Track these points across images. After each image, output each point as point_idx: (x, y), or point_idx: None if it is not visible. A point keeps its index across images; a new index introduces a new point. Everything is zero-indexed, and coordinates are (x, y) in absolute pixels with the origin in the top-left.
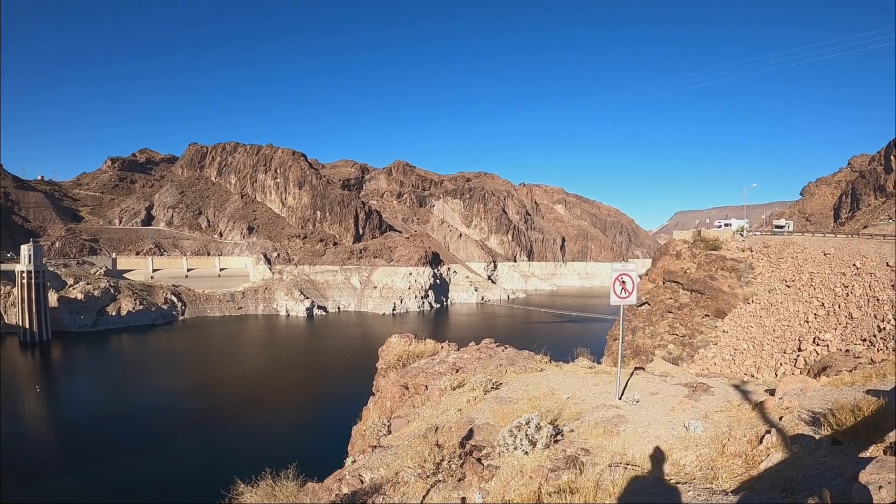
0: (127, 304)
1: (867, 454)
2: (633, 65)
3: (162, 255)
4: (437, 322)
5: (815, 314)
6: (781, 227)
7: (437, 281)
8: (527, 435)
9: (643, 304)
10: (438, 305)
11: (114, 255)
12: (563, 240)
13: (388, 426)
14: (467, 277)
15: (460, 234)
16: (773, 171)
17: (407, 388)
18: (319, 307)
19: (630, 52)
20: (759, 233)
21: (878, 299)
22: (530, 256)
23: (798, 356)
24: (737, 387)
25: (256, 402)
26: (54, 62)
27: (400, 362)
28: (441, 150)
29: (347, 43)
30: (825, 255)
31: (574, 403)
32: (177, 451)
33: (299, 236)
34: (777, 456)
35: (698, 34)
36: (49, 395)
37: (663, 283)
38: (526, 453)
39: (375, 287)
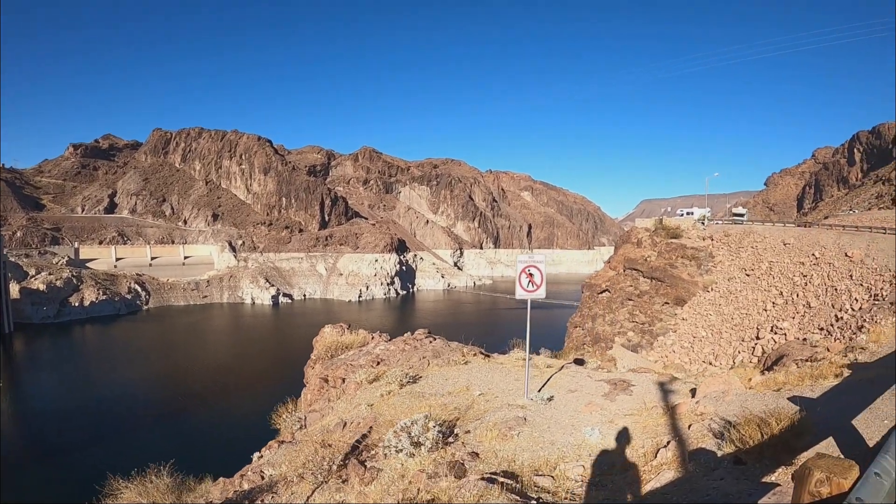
0: (90, 295)
1: (772, 478)
2: (602, 55)
3: (125, 243)
4: (403, 309)
5: (773, 303)
6: (741, 215)
7: (404, 268)
8: (410, 436)
9: (604, 291)
10: (405, 292)
11: (76, 244)
12: (530, 227)
13: (304, 420)
14: (434, 264)
15: (427, 221)
16: (739, 162)
17: (326, 380)
18: (285, 295)
19: (598, 43)
20: (720, 222)
21: (836, 289)
22: (497, 243)
23: (756, 344)
24: (661, 384)
25: (221, 391)
26: (14, 47)
27: (328, 353)
28: (408, 137)
29: (316, 29)
30: (785, 244)
31: (485, 401)
32: (143, 443)
33: (265, 223)
34: (668, 475)
35: (667, 27)
36: (12, 389)
37: (624, 271)
38: (411, 455)
39: (341, 274)
